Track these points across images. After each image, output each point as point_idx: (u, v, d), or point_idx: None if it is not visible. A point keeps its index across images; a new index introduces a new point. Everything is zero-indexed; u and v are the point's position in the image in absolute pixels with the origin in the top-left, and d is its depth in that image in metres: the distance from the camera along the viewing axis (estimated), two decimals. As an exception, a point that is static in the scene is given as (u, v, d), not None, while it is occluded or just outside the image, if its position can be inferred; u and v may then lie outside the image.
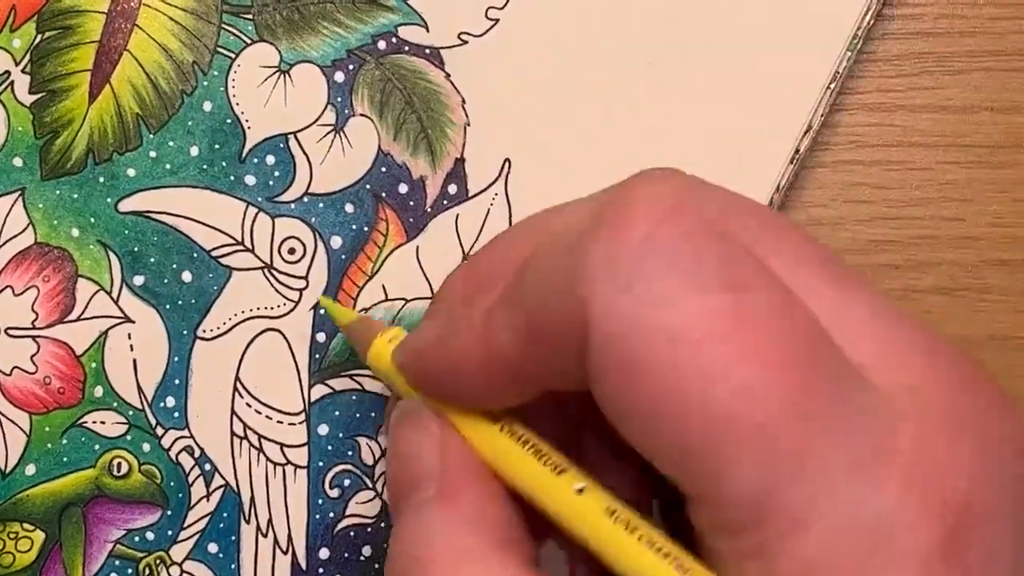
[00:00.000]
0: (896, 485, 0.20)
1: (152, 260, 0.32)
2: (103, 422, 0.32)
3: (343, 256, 0.32)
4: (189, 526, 0.32)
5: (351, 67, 0.32)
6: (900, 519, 0.20)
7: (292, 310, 0.32)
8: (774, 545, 0.20)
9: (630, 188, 0.22)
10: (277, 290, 0.32)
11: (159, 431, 0.32)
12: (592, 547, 0.23)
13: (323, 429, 0.32)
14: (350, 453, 0.32)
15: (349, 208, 0.32)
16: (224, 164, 0.32)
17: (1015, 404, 0.22)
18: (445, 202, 0.32)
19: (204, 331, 0.32)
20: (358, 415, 0.32)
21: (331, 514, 0.32)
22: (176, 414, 0.32)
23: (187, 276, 0.32)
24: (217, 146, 0.32)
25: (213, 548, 0.32)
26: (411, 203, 0.32)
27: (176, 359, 0.32)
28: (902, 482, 0.20)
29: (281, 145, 0.32)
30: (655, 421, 0.21)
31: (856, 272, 0.24)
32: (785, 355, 0.21)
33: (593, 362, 0.21)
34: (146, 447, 0.32)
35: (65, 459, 0.32)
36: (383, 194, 0.32)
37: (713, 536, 0.21)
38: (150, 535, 0.32)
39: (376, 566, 0.32)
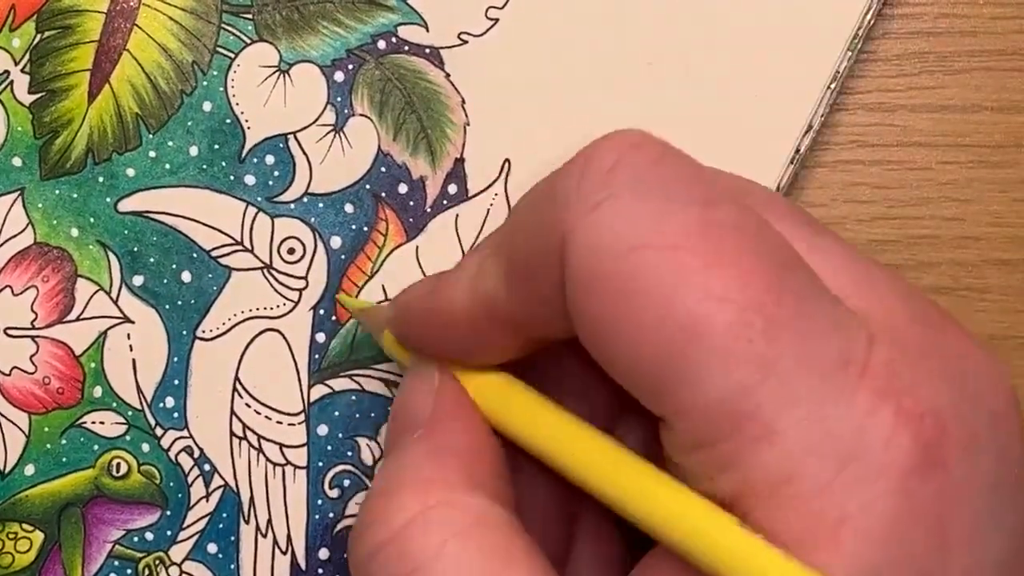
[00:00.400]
0: (869, 397, 0.20)
1: (151, 260, 0.32)
2: (102, 422, 0.32)
3: (343, 256, 0.32)
4: (188, 526, 0.32)
5: (351, 67, 0.32)
6: (875, 432, 0.20)
7: (292, 310, 0.32)
8: (747, 454, 0.20)
9: (602, 136, 0.23)
10: (276, 290, 0.32)
11: (158, 431, 0.32)
12: (595, 485, 0.23)
13: (322, 429, 0.32)
14: (350, 453, 0.32)
15: (349, 208, 0.32)
16: (224, 164, 0.32)
17: (992, 353, 0.22)
18: (445, 202, 0.32)
19: (203, 331, 0.32)
20: (358, 415, 0.32)
21: (331, 514, 0.32)
22: (175, 414, 0.32)
23: (186, 276, 0.32)
24: (216, 146, 0.32)
25: (212, 548, 0.32)
26: (411, 203, 0.32)
27: (175, 359, 0.32)
28: (875, 394, 0.20)
29: (281, 145, 0.32)
30: (627, 335, 0.21)
31: (829, 229, 0.24)
32: (753, 263, 0.20)
33: (569, 288, 0.22)
34: (145, 447, 0.32)
35: (64, 459, 0.32)
36: (383, 194, 0.32)
37: (686, 455, 0.21)
38: (149, 535, 0.32)
39: (376, 566, 0.32)
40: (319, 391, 0.32)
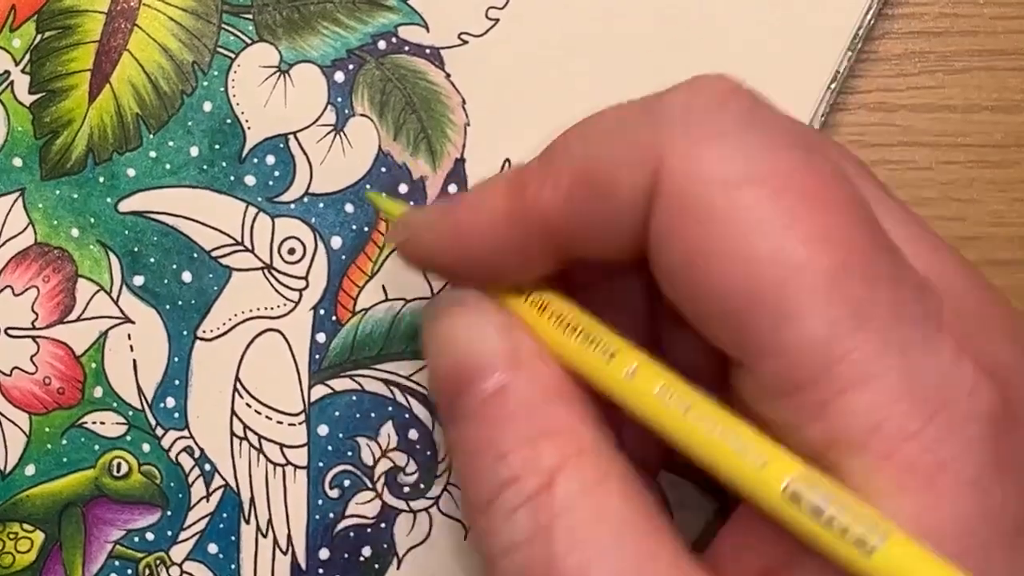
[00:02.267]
0: (951, 350, 0.20)
1: (152, 260, 0.32)
2: (103, 422, 0.32)
3: (343, 256, 0.32)
4: (189, 526, 0.32)
5: (351, 67, 0.32)
6: (960, 382, 0.20)
7: (292, 310, 0.32)
8: (837, 401, 0.20)
9: (696, 77, 0.23)
10: (277, 290, 0.32)
11: (159, 431, 0.32)
12: (651, 426, 0.22)
13: (323, 429, 0.32)
14: (350, 453, 0.32)
15: (349, 208, 0.32)
16: (224, 164, 0.32)
17: None
18: (445, 202, 0.32)
19: (204, 331, 0.32)
20: (358, 415, 0.32)
21: (331, 514, 0.32)
22: (176, 414, 0.32)
23: (187, 276, 0.32)
24: (217, 146, 0.32)
25: (213, 548, 0.32)
26: (411, 203, 0.32)
27: (176, 359, 0.32)
28: (956, 348, 0.20)
29: (281, 145, 0.32)
30: (722, 268, 0.21)
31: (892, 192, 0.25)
32: (853, 212, 0.21)
33: (661, 214, 0.21)
34: (146, 447, 0.32)
35: (65, 459, 0.32)
36: (383, 194, 0.32)
37: (770, 402, 0.21)
38: (150, 535, 0.32)
39: (376, 566, 0.32)
40: (319, 391, 0.32)
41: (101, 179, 0.32)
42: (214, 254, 0.32)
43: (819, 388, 0.20)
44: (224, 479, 0.32)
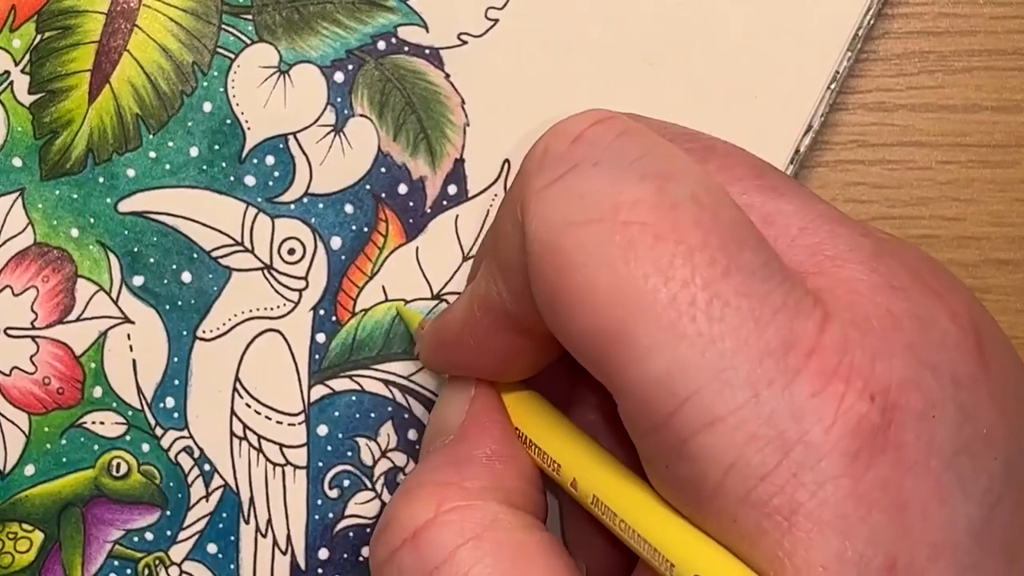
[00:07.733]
0: (812, 379, 0.20)
1: (152, 260, 0.32)
2: (102, 422, 0.32)
3: (343, 257, 0.32)
4: (188, 526, 0.32)
5: (351, 67, 0.32)
6: (816, 415, 0.19)
7: (292, 311, 0.32)
8: (692, 442, 0.20)
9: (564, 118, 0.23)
10: (277, 291, 0.32)
11: (158, 431, 0.32)
12: (583, 497, 0.24)
13: (322, 430, 0.32)
14: (349, 454, 0.32)
15: (349, 209, 0.32)
16: (224, 164, 0.32)
17: (971, 304, 0.22)
18: (445, 203, 0.32)
19: (204, 332, 0.32)
20: (357, 415, 0.32)
21: (330, 514, 0.32)
22: (175, 414, 0.32)
23: (187, 277, 0.32)
24: (217, 146, 0.32)
25: (212, 548, 0.32)
26: (411, 204, 0.32)
27: (176, 359, 0.32)
28: (821, 376, 0.20)
29: (281, 145, 0.32)
30: (577, 309, 0.21)
31: (795, 182, 0.24)
32: (703, 239, 0.20)
33: (528, 262, 0.22)
34: (145, 447, 0.32)
35: (64, 459, 0.32)
36: (383, 195, 0.32)
37: (639, 437, 0.21)
38: (149, 535, 0.32)
39: (376, 567, 0.32)
40: (319, 391, 0.32)
41: (101, 179, 0.32)
42: (214, 254, 0.32)
43: (672, 429, 0.20)
44: (223, 479, 0.32)
